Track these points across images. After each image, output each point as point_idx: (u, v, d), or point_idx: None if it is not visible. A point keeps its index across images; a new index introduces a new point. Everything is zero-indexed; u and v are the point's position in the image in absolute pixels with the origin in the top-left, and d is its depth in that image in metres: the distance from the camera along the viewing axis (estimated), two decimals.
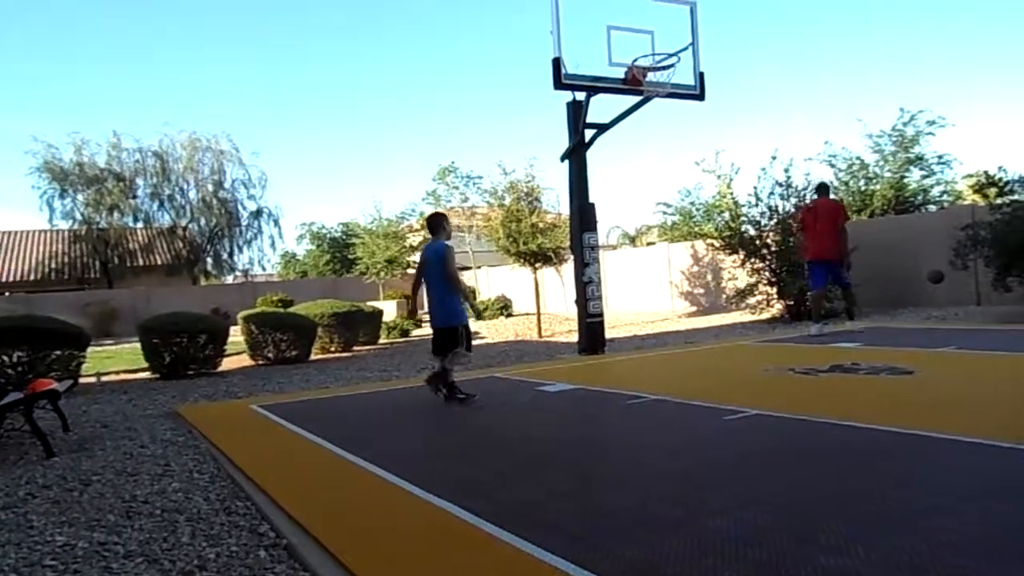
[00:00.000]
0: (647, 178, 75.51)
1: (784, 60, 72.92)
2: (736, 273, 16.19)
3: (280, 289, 31.34)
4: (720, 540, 2.94)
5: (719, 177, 16.72)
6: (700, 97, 11.06)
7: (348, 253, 34.50)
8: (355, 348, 15.65)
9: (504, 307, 22.91)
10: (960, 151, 48.34)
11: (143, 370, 12.12)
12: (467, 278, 29.02)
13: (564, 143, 11.19)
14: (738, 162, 30.25)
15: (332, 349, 14.97)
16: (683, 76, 10.73)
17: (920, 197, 20.26)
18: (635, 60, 10.36)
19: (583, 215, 11.03)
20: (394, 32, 75.62)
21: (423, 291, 7.42)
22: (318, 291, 26.79)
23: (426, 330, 7.47)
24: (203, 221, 35.03)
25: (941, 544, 2.75)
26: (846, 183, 20.81)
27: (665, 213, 24.32)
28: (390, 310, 20.73)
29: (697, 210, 20.27)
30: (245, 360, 13.31)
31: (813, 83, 70.94)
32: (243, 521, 3.86)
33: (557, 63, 9.94)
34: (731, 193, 16.37)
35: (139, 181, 33.64)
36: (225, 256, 36.05)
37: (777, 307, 15.11)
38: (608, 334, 11.85)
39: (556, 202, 18.61)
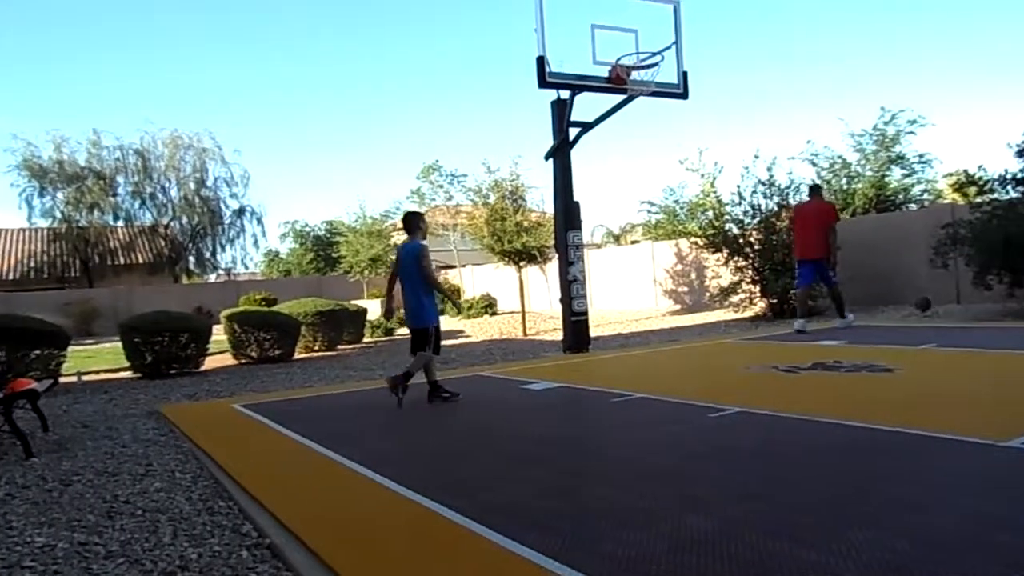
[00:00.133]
0: (631, 177, 75.80)
1: (767, 59, 73.37)
2: (719, 271, 16.28)
3: (263, 288, 31.18)
4: (703, 536, 2.96)
5: (703, 176, 16.78)
6: (684, 96, 11.11)
7: (332, 251, 34.37)
8: (339, 347, 15.61)
9: (489, 305, 22.88)
10: (940, 150, 48.90)
11: (124, 369, 12.03)
12: (452, 276, 28.99)
13: (549, 142, 11.20)
14: (721, 161, 30.37)
15: (316, 348, 14.91)
16: (667, 75, 10.79)
17: (901, 196, 20.43)
18: (619, 59, 10.39)
19: (568, 214, 11.04)
20: (378, 30, 75.44)
21: (399, 290, 7.32)
22: (302, 290, 26.66)
23: None
24: (185, 219, 34.75)
25: (919, 540, 2.77)
26: (828, 182, 20.93)
27: (649, 212, 24.31)
28: (374, 309, 20.68)
29: (681, 209, 20.30)
30: (228, 359, 13.23)
31: (796, 82, 71.43)
32: (226, 521, 3.84)
33: (541, 62, 9.94)
34: (714, 192, 16.44)
35: (120, 179, 33.34)
36: (208, 255, 35.79)
37: (760, 305, 15.20)
38: (593, 332, 11.89)
39: (541, 200, 18.66)
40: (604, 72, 10.42)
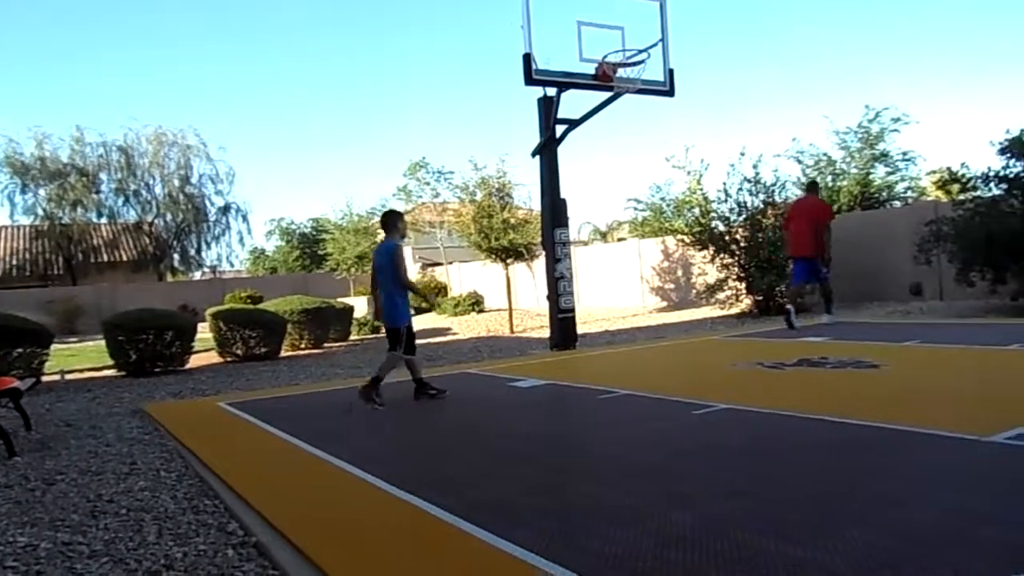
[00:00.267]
0: (618, 174, 75.92)
1: (753, 57, 73.65)
2: (706, 269, 16.34)
3: (249, 285, 31.01)
4: (688, 532, 2.97)
5: (689, 173, 16.83)
6: (670, 93, 11.14)
7: (318, 249, 34.21)
8: (326, 345, 15.56)
9: (475, 303, 22.88)
10: (924, 148, 49.29)
11: (108, 368, 11.94)
12: (439, 273, 28.95)
13: (536, 139, 11.19)
14: (708, 158, 30.47)
15: (302, 346, 14.86)
16: (653, 72, 10.83)
17: (885, 193, 20.57)
18: (605, 56, 10.40)
19: (554, 211, 11.05)
20: (365, 27, 75.14)
21: None
22: (288, 287, 26.55)
23: None
24: (169, 217, 34.49)
25: (903, 536, 2.79)
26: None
27: (636, 209, 24.50)
28: (361, 306, 20.61)
29: (667, 206, 20.38)
30: (213, 357, 13.16)
31: (782, 80, 71.77)
32: (211, 519, 3.82)
33: (528, 59, 9.94)
34: (701, 189, 16.50)
35: (103, 176, 33.02)
36: (192, 252, 35.55)
37: (746, 302, 15.26)
38: (580, 329, 11.91)
39: (527, 198, 18.68)
40: (591, 69, 10.43)
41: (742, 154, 15.33)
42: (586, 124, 11.11)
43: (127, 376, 11.10)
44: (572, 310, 11.16)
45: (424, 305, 22.28)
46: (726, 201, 15.49)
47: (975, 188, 11.90)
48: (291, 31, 72.22)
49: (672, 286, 20.02)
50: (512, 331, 16.71)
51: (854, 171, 20.53)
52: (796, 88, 72.06)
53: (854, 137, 20.61)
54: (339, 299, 18.62)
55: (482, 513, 3.39)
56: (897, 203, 20.29)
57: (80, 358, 14.66)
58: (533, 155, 11.30)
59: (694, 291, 18.26)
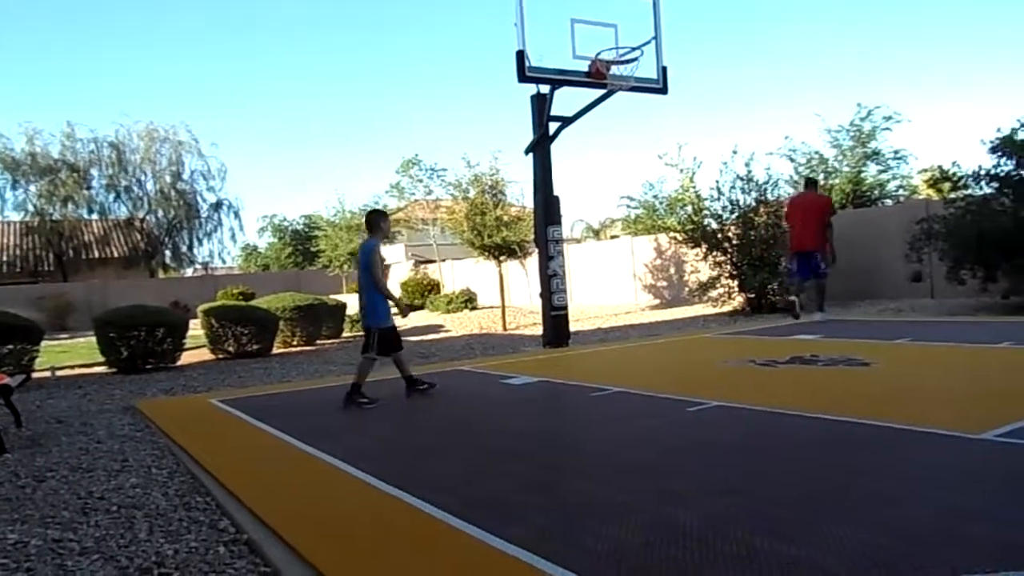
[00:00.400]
0: (611, 172, 76.01)
1: (746, 55, 73.79)
2: (698, 266, 16.37)
3: (241, 282, 30.91)
4: (681, 530, 2.97)
5: (682, 171, 16.87)
6: (663, 91, 11.13)
7: (311, 246, 34.19)
8: (318, 342, 15.51)
9: (468, 300, 22.84)
10: (915, 146, 49.48)
11: (99, 364, 11.88)
12: (431, 271, 28.90)
13: (529, 136, 11.18)
14: (701, 156, 30.57)
15: (295, 343, 14.82)
16: (646, 70, 10.82)
17: (877, 191, 20.65)
18: (599, 53, 10.39)
19: (547, 208, 11.04)
20: (358, 23, 74.95)
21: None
22: (280, 284, 26.52)
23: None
24: (161, 213, 34.36)
25: (896, 534, 2.80)
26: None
27: (629, 207, 24.59)
28: (354, 303, 20.52)
29: (660, 204, 20.42)
30: (205, 354, 13.11)
31: (775, 78, 71.91)
32: (203, 517, 3.80)
33: (521, 56, 9.92)
34: (693, 187, 16.53)
35: (94, 172, 32.86)
36: (184, 249, 35.42)
37: (738, 300, 15.30)
38: (572, 327, 11.91)
39: (520, 195, 18.66)
40: (584, 67, 10.42)
41: (735, 152, 15.37)
42: (579, 121, 11.11)
43: (118, 373, 11.05)
44: (565, 307, 11.16)
45: (428, 303, 22.30)
46: (719, 199, 15.53)
47: (966, 186, 11.96)
48: (286, 29, 72.03)
49: (665, 284, 20.05)
50: (505, 328, 16.71)
51: (846, 169, 20.61)
52: (789, 86, 72.27)
53: (846, 135, 20.69)
54: (331, 296, 18.57)
55: (475, 510, 3.39)
56: (889, 201, 20.37)
57: (71, 355, 14.58)
58: (526, 152, 11.29)
59: (687, 289, 18.30)
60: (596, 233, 38.87)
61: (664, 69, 10.99)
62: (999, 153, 11.14)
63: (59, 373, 11.37)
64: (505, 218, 17.68)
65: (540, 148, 11.08)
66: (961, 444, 4.02)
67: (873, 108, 20.15)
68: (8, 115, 65.73)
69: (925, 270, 12.92)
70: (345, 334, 17.34)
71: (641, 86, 10.85)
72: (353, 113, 79.64)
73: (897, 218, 14.16)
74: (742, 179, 15.10)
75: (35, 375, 9.78)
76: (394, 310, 6.94)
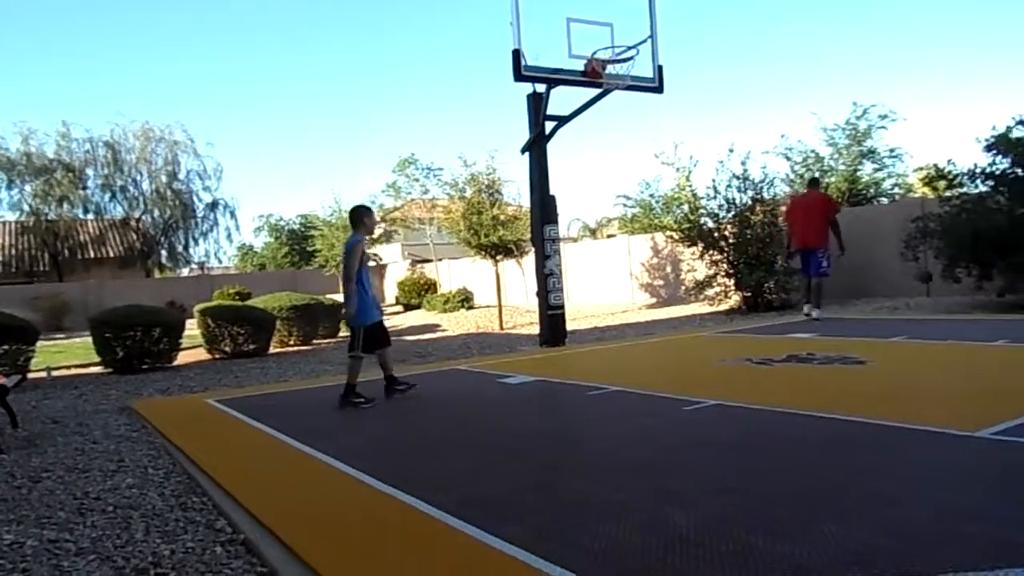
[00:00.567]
0: (607, 171, 76.05)
1: (742, 54, 73.85)
2: (695, 265, 16.38)
3: (237, 282, 30.83)
4: (678, 529, 2.97)
5: (678, 170, 16.87)
6: (659, 90, 11.14)
7: (307, 245, 34.08)
8: (315, 341, 15.52)
9: (465, 299, 22.87)
10: (911, 144, 49.55)
11: (95, 365, 11.86)
12: (428, 270, 28.88)
13: (525, 135, 11.18)
14: (697, 155, 30.55)
15: (291, 342, 14.81)
16: (642, 69, 10.83)
17: (873, 190, 20.68)
18: (595, 52, 10.39)
19: (544, 207, 11.04)
20: (355, 23, 74.87)
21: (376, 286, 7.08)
22: (276, 284, 26.47)
23: (387, 323, 7.33)
24: (157, 213, 34.28)
25: (894, 533, 2.81)
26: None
27: (625, 205, 24.55)
28: None
29: (657, 202, 20.45)
30: (201, 354, 13.09)
31: (771, 77, 71.99)
32: (199, 517, 3.79)
33: (517, 55, 9.92)
34: (690, 186, 16.53)
35: (89, 172, 32.77)
36: (180, 248, 35.34)
37: (734, 299, 15.32)
38: (569, 326, 11.91)
39: (517, 194, 18.68)
40: (580, 66, 10.42)
41: (731, 151, 15.38)
42: (576, 120, 11.10)
43: (114, 373, 11.03)
44: (561, 306, 11.16)
45: (425, 303, 22.23)
46: (715, 198, 15.54)
47: (962, 185, 11.98)
48: (284, 29, 71.91)
49: (661, 282, 20.07)
50: (502, 327, 16.71)
51: (842, 168, 20.64)
52: (785, 85, 72.35)
53: (842, 134, 20.73)
54: (328, 296, 18.56)
55: (471, 509, 3.39)
56: (884, 200, 20.40)
57: (67, 355, 14.55)
58: (523, 151, 11.29)
59: (683, 287, 18.31)
60: (593, 232, 38.90)
61: (660, 68, 11.00)
62: (994, 151, 11.16)
63: (55, 373, 11.35)
64: (501, 217, 17.69)
65: (536, 147, 11.07)
66: (957, 442, 4.03)
67: (869, 107, 20.22)
68: (3, 115, 65.53)
69: (912, 280, 13.05)
70: (342, 334, 17.31)
71: (637, 85, 10.85)
72: (351, 112, 79.62)
73: (893, 216, 14.18)
74: (738, 178, 15.12)
75: (31, 375, 9.76)
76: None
